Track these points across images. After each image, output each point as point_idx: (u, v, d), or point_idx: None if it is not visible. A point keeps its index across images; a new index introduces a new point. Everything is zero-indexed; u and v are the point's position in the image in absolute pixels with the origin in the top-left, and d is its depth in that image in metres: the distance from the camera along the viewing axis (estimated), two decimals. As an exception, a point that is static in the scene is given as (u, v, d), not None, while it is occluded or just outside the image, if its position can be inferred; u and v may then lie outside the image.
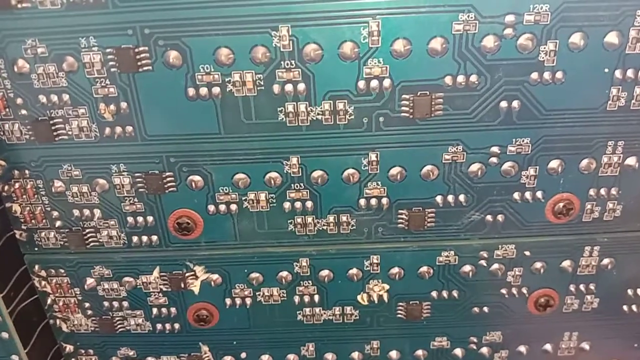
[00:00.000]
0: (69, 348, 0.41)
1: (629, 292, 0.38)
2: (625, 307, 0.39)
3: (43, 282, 0.38)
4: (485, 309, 0.39)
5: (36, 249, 0.37)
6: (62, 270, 0.38)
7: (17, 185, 0.35)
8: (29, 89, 0.32)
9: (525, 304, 0.38)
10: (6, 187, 0.35)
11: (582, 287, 0.38)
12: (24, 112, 0.32)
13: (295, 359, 0.41)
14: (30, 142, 0.33)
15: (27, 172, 0.34)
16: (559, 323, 0.39)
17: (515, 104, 0.32)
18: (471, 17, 0.30)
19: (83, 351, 0.41)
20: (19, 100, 0.32)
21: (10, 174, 0.34)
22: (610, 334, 0.40)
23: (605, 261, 0.37)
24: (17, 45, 0.31)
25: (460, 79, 0.31)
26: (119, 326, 0.39)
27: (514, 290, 0.38)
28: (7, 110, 0.32)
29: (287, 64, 0.31)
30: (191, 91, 0.31)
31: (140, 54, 0.30)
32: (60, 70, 0.31)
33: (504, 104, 0.32)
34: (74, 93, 0.32)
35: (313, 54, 0.30)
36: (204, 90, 0.31)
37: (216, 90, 0.31)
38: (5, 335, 0.37)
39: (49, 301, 0.39)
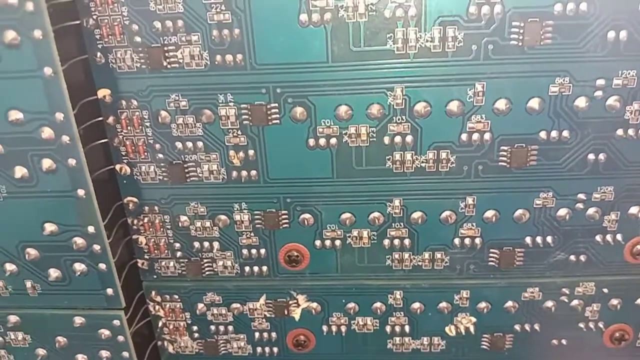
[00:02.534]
0: (172, 370, 0.45)
1: (703, 328, 0.41)
2: (698, 343, 0.42)
3: (157, 307, 0.42)
4: (564, 341, 0.41)
5: (155, 276, 0.41)
6: (177, 296, 0.41)
7: (145, 219, 0.39)
8: (167, 136, 0.36)
9: (601, 338, 0.41)
10: (135, 221, 0.39)
11: (657, 323, 0.41)
12: (160, 156, 0.37)
13: (382, 386, 0.44)
14: (163, 182, 0.37)
15: (156, 208, 0.38)
16: (631, 357, 0.42)
17: (601, 156, 0.35)
18: (566, 81, 0.33)
19: (185, 372, 0.45)
20: (158, 146, 0.36)
21: (140, 210, 0.39)
22: (682, 369, 0.43)
23: (683, 297, 0.40)
24: (162, 99, 0.35)
25: (554, 134, 0.35)
26: (222, 349, 0.43)
27: (591, 325, 0.41)
28: (146, 154, 0.37)
29: (399, 119, 0.35)
30: (311, 142, 0.35)
31: (270, 110, 0.35)
32: (197, 121, 0.35)
33: (591, 156, 0.35)
34: (208, 141, 0.36)
35: (423, 110, 0.34)
36: (322, 141, 0.35)
37: (333, 141, 0.35)
38: (125, 354, 0.40)
39: (159, 324, 0.43)
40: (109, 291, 0.38)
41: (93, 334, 0.40)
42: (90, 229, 0.36)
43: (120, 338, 0.40)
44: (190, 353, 0.44)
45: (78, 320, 0.39)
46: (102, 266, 0.37)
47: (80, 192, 0.35)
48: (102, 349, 0.40)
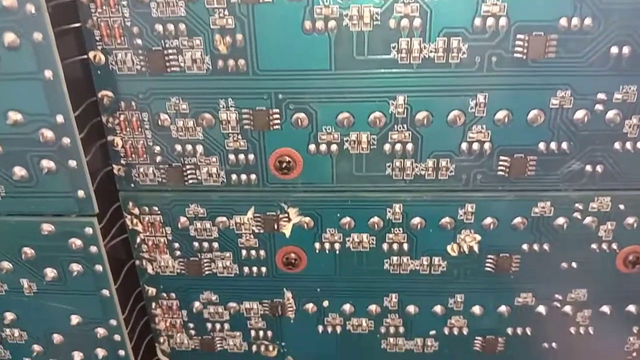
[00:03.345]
0: (152, 291, 0.41)
1: None
2: None
3: (135, 220, 0.38)
4: (574, 264, 0.38)
5: (132, 185, 0.37)
6: (156, 208, 0.38)
7: (122, 117, 0.35)
8: (146, 18, 0.32)
9: (614, 261, 0.38)
10: (110, 119, 0.35)
11: (672, 245, 0.38)
12: (138, 41, 0.33)
13: (377, 310, 0.41)
14: (141, 74, 0.34)
15: (133, 104, 0.35)
16: (645, 283, 0.40)
17: (626, 49, 0.32)
18: (592, -42, 0.30)
19: (165, 295, 0.41)
20: (136, 29, 0.33)
21: (116, 106, 0.35)
22: (696, 297, 0.40)
23: (699, 219, 0.37)
24: (140, -27, 0.32)
25: (575, 21, 0.31)
26: (206, 269, 0.40)
27: (604, 246, 0.38)
28: (122, 39, 0.33)
29: (406, -1, 0.31)
30: (308, 25, 0.32)
31: (262, -16, 0.31)
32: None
33: (614, 49, 0.32)
34: (191, 23, 0.32)
35: (433, -11, 0.31)
36: (320, 24, 0.32)
37: (332, 24, 0.32)
38: (99, 268, 0.37)
39: (138, 240, 0.39)
40: (80, 193, 0.34)
41: (63, 244, 0.36)
42: (59, 118, 0.32)
43: (93, 249, 0.36)
44: (171, 273, 0.40)
45: (46, 227, 0.36)
46: (72, 163, 0.33)
47: (48, 73, 0.31)
48: (73, 262, 0.37)
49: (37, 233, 0.36)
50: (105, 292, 0.38)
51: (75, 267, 0.37)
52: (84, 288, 0.38)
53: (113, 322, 0.39)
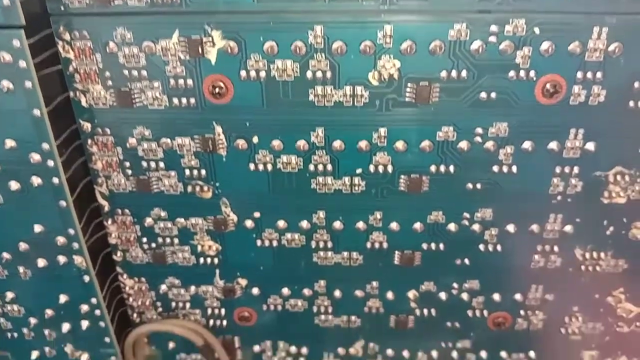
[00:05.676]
0: (87, 126, 0.42)
1: (636, 85, 0.39)
2: (631, 103, 0.39)
3: (67, 47, 0.39)
4: (493, 95, 0.39)
5: (62, 8, 0.38)
6: (86, 33, 0.39)
7: None
8: None
9: (532, 91, 0.39)
10: (37, -62, 0.37)
11: (589, 75, 0.38)
12: None
13: (304, 146, 0.42)
14: None
15: None
16: (565, 116, 0.40)
17: None
18: None
19: (100, 130, 0.42)
20: None
21: None
22: (616, 134, 0.41)
23: (613, 46, 0.38)
24: None
25: None
26: (137, 101, 0.41)
27: (522, 74, 0.38)
28: None
29: None
30: None
31: None
32: None
33: None
34: None
35: None
36: None
37: None
38: (28, 84, 0.38)
39: (70, 69, 0.40)
40: (5, 2, 0.35)
41: (-8, 59, 0.38)
42: None
43: (22, 63, 0.37)
44: (104, 106, 0.41)
45: (-25, 41, 0.37)
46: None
47: None
48: (3, 79, 0.38)
49: (-35, 48, 0.37)
50: (36, 112, 0.39)
51: (6, 84, 0.38)
52: (15, 107, 0.39)
53: (45, 145, 0.40)
